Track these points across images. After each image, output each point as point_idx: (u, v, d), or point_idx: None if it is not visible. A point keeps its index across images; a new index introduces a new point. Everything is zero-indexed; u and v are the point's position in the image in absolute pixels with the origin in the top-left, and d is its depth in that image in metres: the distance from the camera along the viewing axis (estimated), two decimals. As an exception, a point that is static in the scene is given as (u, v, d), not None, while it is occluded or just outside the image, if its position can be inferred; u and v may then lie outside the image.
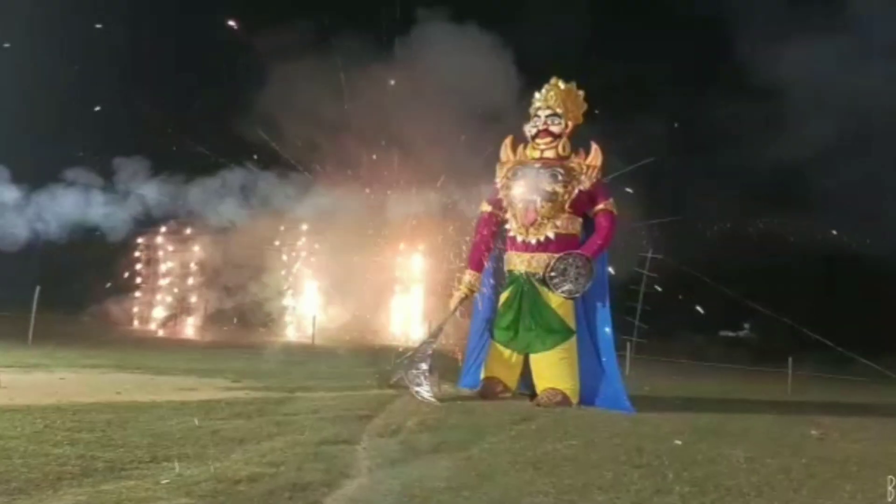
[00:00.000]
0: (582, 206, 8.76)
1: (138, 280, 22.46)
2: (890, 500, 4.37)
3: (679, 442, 5.94)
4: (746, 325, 22.22)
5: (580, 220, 8.82)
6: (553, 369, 8.34)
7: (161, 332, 20.42)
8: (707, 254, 19.97)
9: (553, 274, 8.39)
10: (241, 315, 20.65)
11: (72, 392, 6.87)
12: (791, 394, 12.44)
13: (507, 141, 9.30)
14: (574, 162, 8.85)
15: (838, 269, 20.56)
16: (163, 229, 21.45)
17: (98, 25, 17.36)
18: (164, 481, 3.76)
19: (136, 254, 22.15)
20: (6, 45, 14.51)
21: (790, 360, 13.82)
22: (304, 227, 20.77)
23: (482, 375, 8.74)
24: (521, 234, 8.77)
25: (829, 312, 19.33)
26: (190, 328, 21.08)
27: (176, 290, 21.86)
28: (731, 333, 22.47)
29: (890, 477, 4.55)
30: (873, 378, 15.39)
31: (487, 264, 9.13)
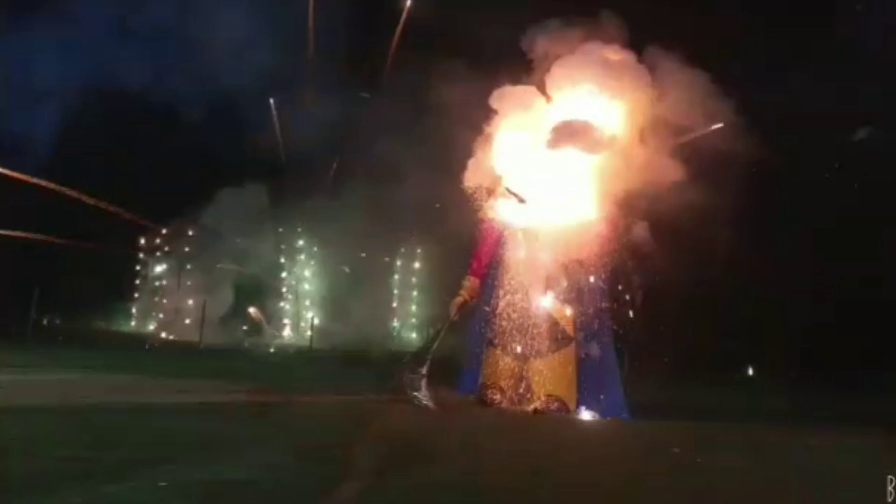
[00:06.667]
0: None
1: (137, 281, 22.47)
2: (890, 500, 4.36)
3: (677, 450, 5.95)
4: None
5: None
6: (551, 376, 8.33)
7: (163, 335, 20.43)
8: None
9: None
10: (239, 317, 20.66)
11: (71, 394, 6.88)
12: (791, 406, 12.39)
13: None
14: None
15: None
16: (164, 231, 21.47)
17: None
18: (161, 484, 3.77)
19: (140, 255, 22.16)
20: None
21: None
22: (299, 228, 20.82)
23: (480, 381, 8.74)
24: (523, 240, 8.76)
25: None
26: (188, 331, 21.07)
27: (174, 292, 21.83)
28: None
29: (890, 477, 4.53)
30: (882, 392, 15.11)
31: (489, 271, 9.12)
